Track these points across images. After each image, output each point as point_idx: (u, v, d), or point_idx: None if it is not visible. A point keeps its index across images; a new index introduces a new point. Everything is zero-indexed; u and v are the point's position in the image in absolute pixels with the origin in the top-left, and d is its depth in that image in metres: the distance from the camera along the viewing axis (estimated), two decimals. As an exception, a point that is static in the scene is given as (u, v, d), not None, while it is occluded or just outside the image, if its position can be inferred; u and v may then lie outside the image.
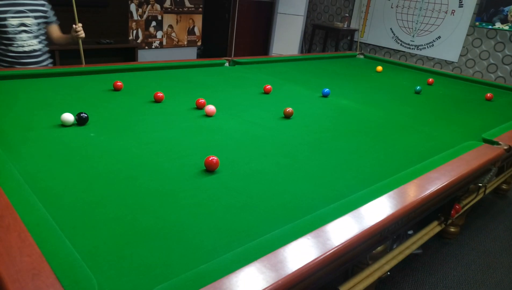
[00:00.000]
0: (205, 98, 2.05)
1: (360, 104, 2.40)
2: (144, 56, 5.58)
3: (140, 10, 5.43)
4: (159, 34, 5.77)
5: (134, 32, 5.47)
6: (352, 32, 6.38)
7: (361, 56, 4.13)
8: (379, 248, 1.27)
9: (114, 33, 5.08)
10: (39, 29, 2.50)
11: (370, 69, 3.52)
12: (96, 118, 1.73)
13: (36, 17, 2.44)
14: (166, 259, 0.92)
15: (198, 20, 6.16)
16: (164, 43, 5.88)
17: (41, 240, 0.85)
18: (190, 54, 6.29)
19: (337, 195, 1.29)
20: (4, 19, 2.31)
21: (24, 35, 2.41)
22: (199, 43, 6.34)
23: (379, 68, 3.46)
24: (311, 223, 1.07)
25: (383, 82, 3.09)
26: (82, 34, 2.54)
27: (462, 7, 5.13)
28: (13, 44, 2.40)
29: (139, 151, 1.49)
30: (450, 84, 3.28)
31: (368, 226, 1.07)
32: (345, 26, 6.27)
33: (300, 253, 0.93)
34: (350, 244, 1.00)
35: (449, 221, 1.68)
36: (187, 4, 5.92)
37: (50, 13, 2.56)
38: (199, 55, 6.76)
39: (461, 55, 5.24)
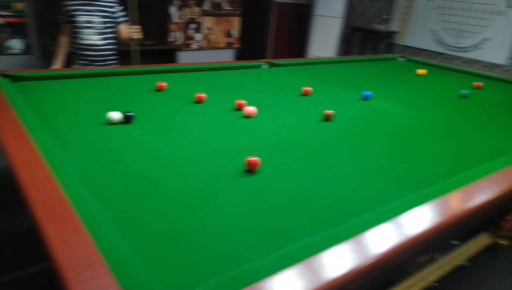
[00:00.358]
0: (245, 100, 2.07)
1: (401, 108, 2.35)
2: (183, 57, 5.70)
3: (180, 12, 5.55)
4: (198, 36, 5.88)
5: (174, 34, 5.60)
6: (391, 34, 6.25)
7: (402, 59, 4.04)
8: (423, 257, 1.24)
9: (155, 35, 5.21)
10: (105, 28, 2.76)
11: (411, 72, 3.43)
12: (141, 117, 1.79)
13: (103, 17, 2.74)
14: (209, 257, 0.94)
15: (236, 22, 6.22)
16: (203, 45, 5.98)
17: (93, 232, 0.89)
18: (228, 56, 6.36)
19: (379, 200, 1.27)
20: (74, 15, 2.68)
21: (88, 31, 2.73)
22: (237, 45, 6.41)
23: (421, 71, 3.37)
24: (352, 228, 1.06)
25: (426, 86, 3.01)
26: (137, 35, 2.78)
27: (511, 7, 4.91)
28: (78, 36, 2.75)
29: (182, 150, 1.52)
30: (500, 88, 3.14)
31: (411, 236, 1.03)
32: (385, 28, 6.15)
33: (341, 259, 0.92)
34: (392, 252, 0.97)
35: (499, 233, 1.61)
36: (226, 7, 6.00)
37: (119, 14, 2.81)
38: (236, 57, 6.82)
39: (510, 58, 5.02)
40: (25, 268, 1.99)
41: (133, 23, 2.80)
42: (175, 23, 5.55)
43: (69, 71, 2.37)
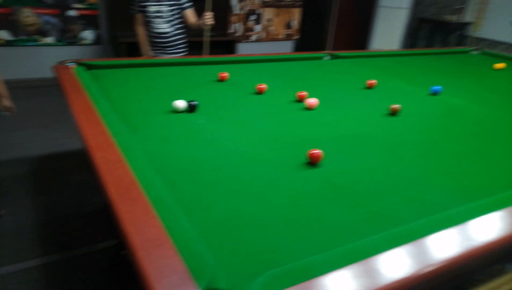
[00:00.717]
0: (306, 91, 2.04)
1: (475, 104, 2.20)
2: (243, 49, 5.75)
3: (241, 4, 5.59)
4: (258, 27, 5.89)
5: (234, 25, 5.65)
6: (464, 25, 5.87)
7: (476, 52, 3.79)
8: (496, 267, 1.16)
9: (216, 27, 5.29)
10: (173, 15, 2.89)
11: (487, 66, 3.20)
12: (204, 106, 1.83)
13: (170, 5, 2.85)
14: (274, 246, 0.94)
15: (297, 14, 6.16)
16: (262, 36, 5.99)
17: (162, 214, 0.92)
18: (287, 47, 6.32)
19: (446, 203, 1.20)
20: (145, 6, 2.85)
21: (158, 20, 2.88)
22: (296, 37, 6.35)
23: (499, 65, 3.13)
24: (416, 230, 1.00)
25: (504, 81, 2.79)
26: (210, 21, 2.82)
27: None
28: (150, 25, 2.93)
29: (243, 140, 1.54)
30: None
31: (478, 244, 0.96)
32: (457, 19, 5.79)
33: (402, 262, 0.87)
34: (456, 260, 0.90)
35: None
36: (287, -2, 5.95)
37: (184, 0, 2.89)
38: (295, 49, 6.76)
39: None
40: (92, 244, 2.13)
41: (206, 11, 2.91)
42: (236, 14, 5.60)
43: (137, 60, 2.48)
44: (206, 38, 3.03)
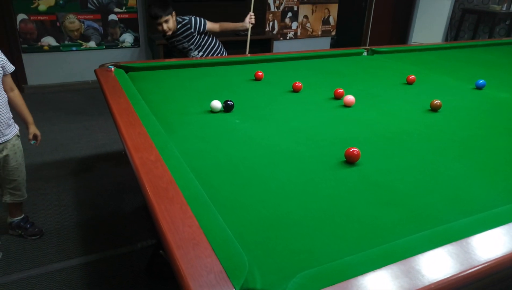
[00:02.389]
0: (343, 88, 2.00)
1: (523, 98, 2.08)
2: (279, 47, 5.72)
3: (277, 1, 5.57)
4: (294, 25, 5.85)
5: (271, 23, 5.64)
6: None
7: (524, 43, 3.58)
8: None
9: (252, 25, 5.29)
10: (197, 43, 3.12)
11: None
12: (240, 106, 1.83)
13: (188, 40, 3.10)
14: (310, 246, 0.92)
15: (334, 9, 6.06)
16: (299, 33, 5.94)
17: (198, 214, 0.93)
18: (324, 44, 6.24)
19: (493, 202, 1.14)
20: (176, 47, 3.19)
21: (189, 52, 3.18)
22: (333, 33, 6.25)
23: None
24: (460, 230, 0.96)
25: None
26: (252, 21, 3.12)
27: None
28: (188, 55, 3.21)
29: (280, 139, 1.53)
30: None
31: None
32: (504, 8, 5.49)
33: (445, 262, 0.83)
34: (502, 261, 0.86)
35: None
36: (324, -7, 5.87)
37: (197, 26, 3.04)
38: (332, 45, 6.66)
39: None
40: (132, 243, 2.18)
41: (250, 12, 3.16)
42: (272, 12, 5.58)
43: (173, 62, 2.52)
44: (248, 37, 3.18)
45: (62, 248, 2.15)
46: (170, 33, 3.01)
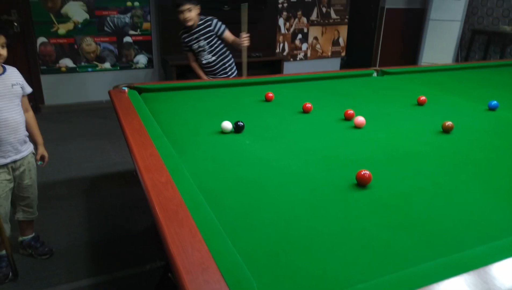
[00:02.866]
0: (353, 109, 2.00)
1: (537, 120, 2.05)
2: (289, 68, 5.77)
3: (287, 23, 5.65)
4: (304, 46, 5.91)
5: (281, 45, 5.71)
6: (522, 36, 5.56)
7: (536, 64, 3.55)
8: None
9: (263, 47, 5.37)
10: (212, 45, 3.15)
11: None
12: (251, 127, 1.84)
13: (206, 38, 3.13)
14: (320, 271, 0.90)
15: (343, 30, 6.12)
16: (309, 54, 6.00)
17: (207, 237, 0.92)
18: (334, 65, 6.28)
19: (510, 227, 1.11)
20: (191, 46, 3.22)
21: (202, 53, 3.20)
22: (343, 54, 6.29)
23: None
24: (477, 257, 0.93)
25: None
26: (246, 42, 3.00)
27: None
28: (198, 58, 3.27)
29: (290, 160, 1.52)
30: None
31: None
32: (514, 30, 5.49)
33: None
34: None
35: None
36: (333, 15, 5.94)
37: (217, 27, 3.10)
38: (342, 66, 6.70)
39: None
40: (141, 265, 2.17)
41: (242, 32, 3.06)
42: (283, 34, 5.66)
43: (185, 83, 2.55)
44: (244, 59, 3.12)
45: (71, 268, 2.15)
46: (191, 23, 3.03)
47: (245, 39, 2.99)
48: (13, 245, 2.25)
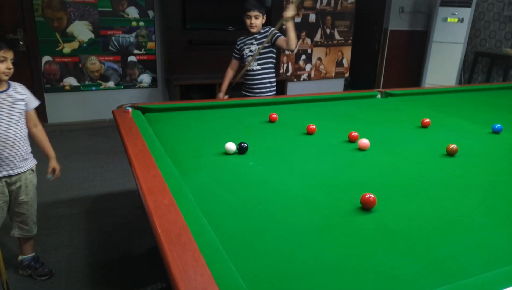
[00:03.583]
0: (357, 131, 2.00)
1: (542, 143, 2.04)
2: (293, 88, 5.81)
3: (291, 45, 5.70)
4: (308, 66, 5.96)
5: (285, 65, 5.76)
6: (525, 59, 5.59)
7: (540, 87, 3.56)
8: None
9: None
10: (263, 54, 3.11)
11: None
12: (255, 148, 1.84)
13: (259, 44, 3.08)
14: (325, 298, 0.89)
15: (347, 52, 6.18)
16: (312, 75, 6.04)
17: (210, 262, 0.91)
18: (337, 85, 6.32)
19: (520, 251, 1.09)
20: (242, 51, 3.19)
21: (249, 59, 3.13)
22: (346, 75, 6.34)
23: None
24: (485, 283, 0.92)
25: None
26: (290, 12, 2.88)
27: None
28: (244, 64, 3.19)
29: (294, 183, 1.51)
30: None
31: None
32: (516, 52, 5.53)
33: None
34: None
35: None
36: (337, 37, 6.01)
37: (273, 32, 3.01)
38: (346, 86, 6.74)
39: None
40: (142, 286, 2.14)
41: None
42: (286, 55, 5.71)
43: (189, 103, 2.57)
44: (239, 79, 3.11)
45: (71, 289, 2.12)
46: (255, 30, 3.04)
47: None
48: (13, 264, 2.23)
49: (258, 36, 3.09)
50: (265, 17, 3.07)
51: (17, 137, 1.97)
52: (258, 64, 3.14)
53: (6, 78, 1.90)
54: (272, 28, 3.05)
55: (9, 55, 1.87)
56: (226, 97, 3.17)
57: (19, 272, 2.22)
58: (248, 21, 3.02)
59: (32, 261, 2.20)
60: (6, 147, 1.93)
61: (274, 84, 3.27)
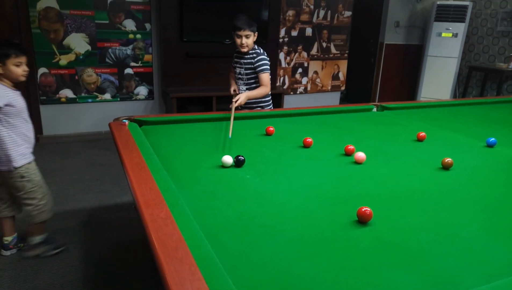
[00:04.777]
0: (354, 144, 2.01)
1: (536, 157, 2.06)
2: (289, 101, 5.84)
3: (288, 58, 5.76)
4: (304, 80, 6.01)
5: (281, 78, 5.80)
6: (518, 73, 5.67)
7: (533, 101, 3.60)
8: None
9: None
10: (249, 78, 3.02)
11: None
12: (252, 161, 1.84)
13: (246, 69, 3.00)
14: (322, 313, 0.88)
15: (343, 65, 6.24)
16: (309, 88, 6.08)
17: (207, 275, 0.90)
18: (333, 99, 6.36)
19: (516, 264, 1.10)
20: (234, 67, 3.11)
21: (239, 81, 3.09)
22: (342, 88, 6.39)
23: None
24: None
25: None
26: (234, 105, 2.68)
27: None
28: (236, 83, 3.14)
29: (291, 195, 1.52)
30: None
31: None
32: (511, 66, 5.60)
33: None
34: None
35: None
36: (333, 50, 6.07)
37: (257, 63, 2.93)
38: (342, 100, 6.79)
39: None
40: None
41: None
42: (283, 68, 5.76)
43: (185, 116, 2.57)
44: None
45: (65, 303, 2.09)
46: (245, 49, 2.90)
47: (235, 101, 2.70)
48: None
49: (246, 57, 2.98)
50: (256, 34, 2.92)
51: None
52: (248, 89, 3.01)
53: (24, 79, 2.23)
54: (260, 57, 2.91)
55: (23, 59, 2.19)
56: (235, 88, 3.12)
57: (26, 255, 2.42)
58: (238, 41, 2.88)
59: (45, 238, 2.47)
60: (32, 133, 2.33)
61: (269, 102, 3.13)
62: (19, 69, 2.16)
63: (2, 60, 2.12)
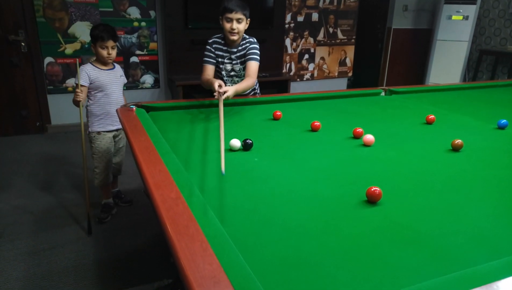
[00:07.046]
0: (362, 128, 2.00)
1: (547, 138, 2.04)
2: (296, 87, 5.82)
3: (294, 44, 5.72)
4: (311, 66, 5.96)
5: (288, 65, 5.77)
6: (529, 56, 5.57)
7: (544, 83, 3.55)
8: None
9: (270, 67, 5.42)
10: (235, 70, 2.67)
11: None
12: (259, 145, 1.84)
13: (243, 62, 2.62)
14: (332, 287, 0.89)
15: (350, 51, 6.18)
16: (315, 75, 6.04)
17: (218, 251, 0.91)
18: (340, 84, 6.32)
19: (526, 242, 1.10)
20: (222, 63, 2.63)
21: (234, 78, 2.71)
22: (349, 74, 6.34)
23: None
24: (489, 272, 0.92)
25: None
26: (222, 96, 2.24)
27: None
28: (224, 80, 2.68)
29: (299, 178, 1.52)
30: None
31: None
32: (521, 50, 5.51)
33: None
34: None
35: None
36: (340, 36, 6.01)
37: (250, 50, 2.56)
38: (349, 86, 6.74)
39: None
40: (149, 283, 2.15)
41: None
42: (289, 54, 5.72)
43: (192, 102, 2.57)
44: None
45: (78, 286, 2.13)
46: (236, 37, 2.48)
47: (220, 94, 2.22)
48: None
49: (237, 49, 2.57)
50: (248, 21, 2.50)
51: (120, 101, 2.74)
52: (231, 83, 2.70)
53: (109, 62, 2.70)
54: (254, 46, 2.56)
55: (109, 44, 2.64)
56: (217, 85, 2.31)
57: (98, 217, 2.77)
58: (228, 25, 2.42)
59: (103, 204, 2.88)
60: (115, 106, 2.55)
61: (258, 91, 2.88)
62: (104, 52, 2.62)
63: (93, 42, 2.61)
